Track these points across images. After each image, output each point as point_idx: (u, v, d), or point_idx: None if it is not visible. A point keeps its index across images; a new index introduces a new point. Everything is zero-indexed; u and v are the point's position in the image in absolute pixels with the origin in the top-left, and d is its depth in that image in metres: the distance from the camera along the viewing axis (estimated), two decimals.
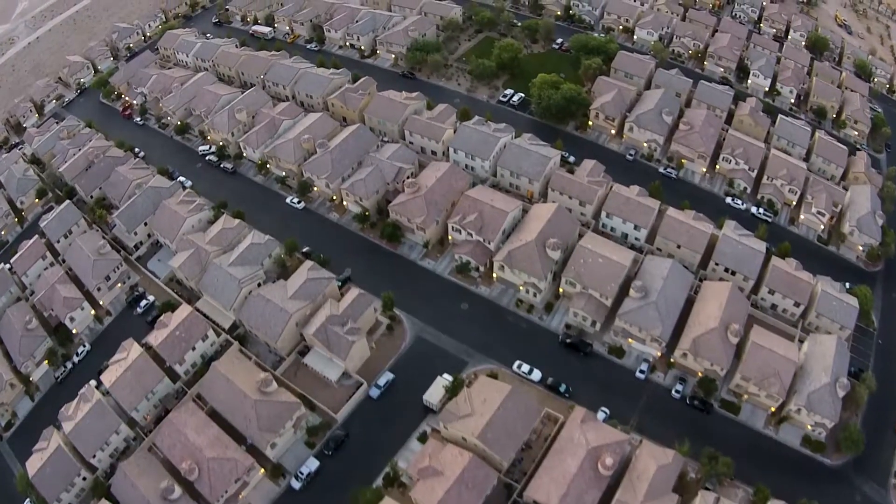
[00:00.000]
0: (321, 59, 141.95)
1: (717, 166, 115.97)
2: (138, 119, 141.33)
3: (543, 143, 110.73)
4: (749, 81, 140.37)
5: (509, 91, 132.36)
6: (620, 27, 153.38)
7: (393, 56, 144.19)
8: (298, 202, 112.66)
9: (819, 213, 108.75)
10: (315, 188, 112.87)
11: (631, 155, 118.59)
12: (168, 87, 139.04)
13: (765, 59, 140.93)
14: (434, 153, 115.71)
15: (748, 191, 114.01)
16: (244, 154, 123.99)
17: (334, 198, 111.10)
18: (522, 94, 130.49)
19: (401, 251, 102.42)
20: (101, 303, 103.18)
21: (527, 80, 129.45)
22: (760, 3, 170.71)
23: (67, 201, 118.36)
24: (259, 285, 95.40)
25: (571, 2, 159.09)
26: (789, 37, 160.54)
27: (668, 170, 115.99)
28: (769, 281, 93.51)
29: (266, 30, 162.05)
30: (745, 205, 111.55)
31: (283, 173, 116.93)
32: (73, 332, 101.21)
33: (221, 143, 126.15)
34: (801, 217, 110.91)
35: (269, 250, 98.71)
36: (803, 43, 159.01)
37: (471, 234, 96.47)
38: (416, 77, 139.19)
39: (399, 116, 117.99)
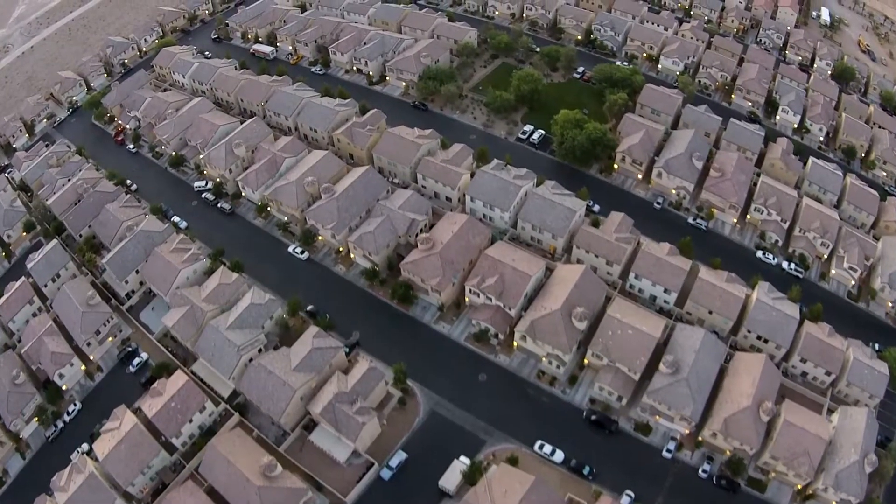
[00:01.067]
0: (326, 86, 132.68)
1: (749, 216, 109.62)
2: (131, 146, 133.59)
3: (567, 193, 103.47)
4: (778, 117, 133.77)
5: (529, 127, 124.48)
6: (644, 55, 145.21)
7: (404, 84, 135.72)
8: (302, 252, 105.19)
9: (851, 268, 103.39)
10: (320, 237, 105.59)
11: (659, 203, 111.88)
12: (162, 113, 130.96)
13: (794, 93, 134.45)
14: (449, 199, 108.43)
15: (779, 244, 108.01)
16: (243, 194, 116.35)
17: (341, 249, 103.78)
18: (543, 131, 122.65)
19: (413, 312, 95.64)
20: (91, 357, 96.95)
21: (547, 114, 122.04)
22: (785, 29, 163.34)
23: (55, 240, 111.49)
24: (260, 350, 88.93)
25: (593, 26, 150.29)
26: (815, 65, 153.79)
27: (698, 220, 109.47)
28: (802, 350, 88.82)
29: (268, 49, 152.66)
30: (775, 259, 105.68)
31: (285, 218, 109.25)
32: (63, 388, 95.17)
33: (218, 180, 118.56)
34: (832, 272, 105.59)
35: (270, 311, 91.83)
36: (829, 72, 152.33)
37: (490, 299, 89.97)
38: (428, 108, 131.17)
39: (411, 157, 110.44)
